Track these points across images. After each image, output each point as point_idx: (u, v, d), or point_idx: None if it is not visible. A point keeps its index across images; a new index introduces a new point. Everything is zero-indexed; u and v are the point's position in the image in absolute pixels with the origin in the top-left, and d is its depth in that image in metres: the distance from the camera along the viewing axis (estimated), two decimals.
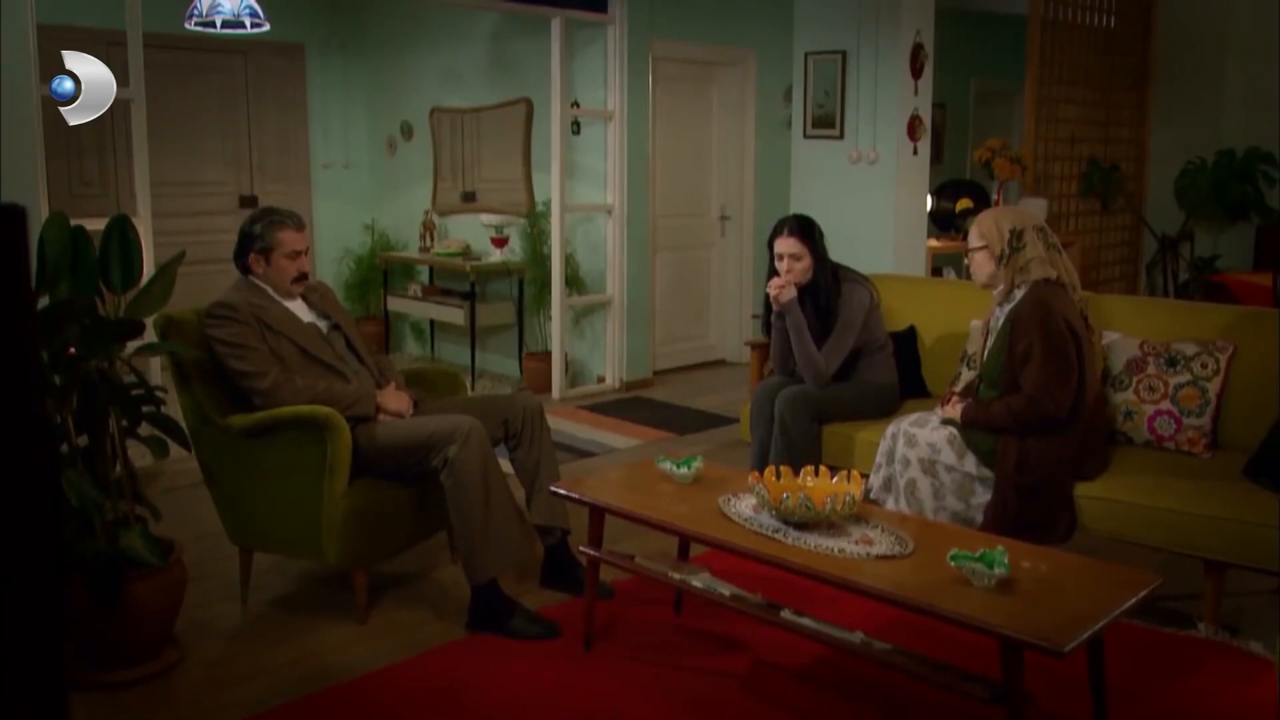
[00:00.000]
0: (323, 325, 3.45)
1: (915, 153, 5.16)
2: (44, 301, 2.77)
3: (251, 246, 3.34)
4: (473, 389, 6.57)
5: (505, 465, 3.38)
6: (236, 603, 3.40)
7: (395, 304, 7.49)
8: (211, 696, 2.85)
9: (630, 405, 6.16)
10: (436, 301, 7.08)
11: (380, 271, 7.59)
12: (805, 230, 3.88)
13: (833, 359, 3.86)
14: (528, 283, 6.78)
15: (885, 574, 2.44)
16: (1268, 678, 2.92)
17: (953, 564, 2.36)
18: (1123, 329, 3.71)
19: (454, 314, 6.88)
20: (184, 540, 3.35)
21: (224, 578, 3.53)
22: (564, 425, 5.58)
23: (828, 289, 3.89)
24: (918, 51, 5.06)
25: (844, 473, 2.79)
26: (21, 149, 4.11)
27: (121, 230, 2.94)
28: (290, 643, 3.14)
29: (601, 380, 6.55)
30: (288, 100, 7.63)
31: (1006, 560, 2.35)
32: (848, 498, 2.64)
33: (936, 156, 6.79)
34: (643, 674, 2.95)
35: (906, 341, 4.19)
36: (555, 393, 6.30)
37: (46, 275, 2.77)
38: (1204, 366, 3.49)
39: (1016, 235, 3.38)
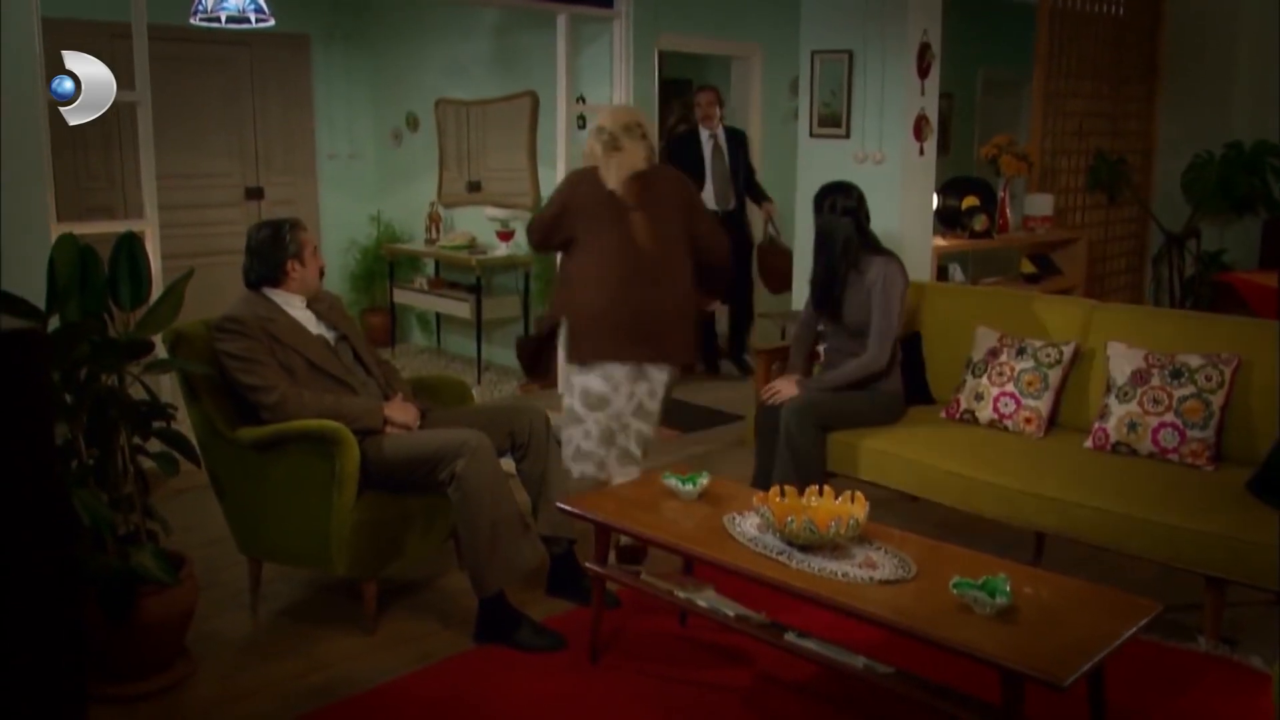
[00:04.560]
0: (330, 337, 3.47)
1: (921, 153, 5.14)
2: (55, 322, 2.80)
3: (287, 255, 3.37)
4: (479, 382, 6.60)
5: (508, 466, 3.41)
6: (246, 612, 3.44)
7: (401, 296, 7.50)
8: (221, 710, 2.89)
9: None
10: (442, 294, 7.10)
11: (386, 263, 7.61)
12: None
13: (884, 343, 3.89)
14: (533, 277, 6.79)
15: (887, 599, 2.47)
16: (1267, 693, 2.95)
17: (955, 591, 2.39)
18: (1127, 340, 3.72)
19: (460, 307, 6.90)
20: (193, 546, 3.40)
21: (233, 585, 3.57)
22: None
23: (853, 247, 3.95)
24: (924, 51, 5.03)
25: (848, 494, 2.81)
26: (28, 150, 4.07)
27: (130, 249, 2.96)
28: (299, 654, 3.18)
29: None
30: (293, 91, 7.61)
31: (1008, 588, 2.37)
32: (851, 521, 2.66)
33: (943, 148, 6.77)
34: (648, 688, 2.98)
35: (911, 348, 4.20)
36: (561, 387, 6.30)
37: (57, 295, 2.79)
38: (1208, 379, 3.50)
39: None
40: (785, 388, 3.92)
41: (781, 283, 6.20)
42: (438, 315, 7.58)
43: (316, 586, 3.64)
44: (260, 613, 3.45)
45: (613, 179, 3.81)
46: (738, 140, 6.60)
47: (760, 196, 6.62)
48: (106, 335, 2.88)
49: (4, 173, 3.92)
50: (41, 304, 2.83)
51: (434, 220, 7.41)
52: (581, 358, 3.81)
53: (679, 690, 2.97)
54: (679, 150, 6.56)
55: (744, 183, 6.60)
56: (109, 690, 2.89)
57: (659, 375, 3.82)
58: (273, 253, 3.38)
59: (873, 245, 4.00)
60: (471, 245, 6.94)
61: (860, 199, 3.99)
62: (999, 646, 2.23)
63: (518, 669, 3.07)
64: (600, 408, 3.81)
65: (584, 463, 3.82)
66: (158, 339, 3.06)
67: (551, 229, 3.96)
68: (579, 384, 3.82)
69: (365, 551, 3.20)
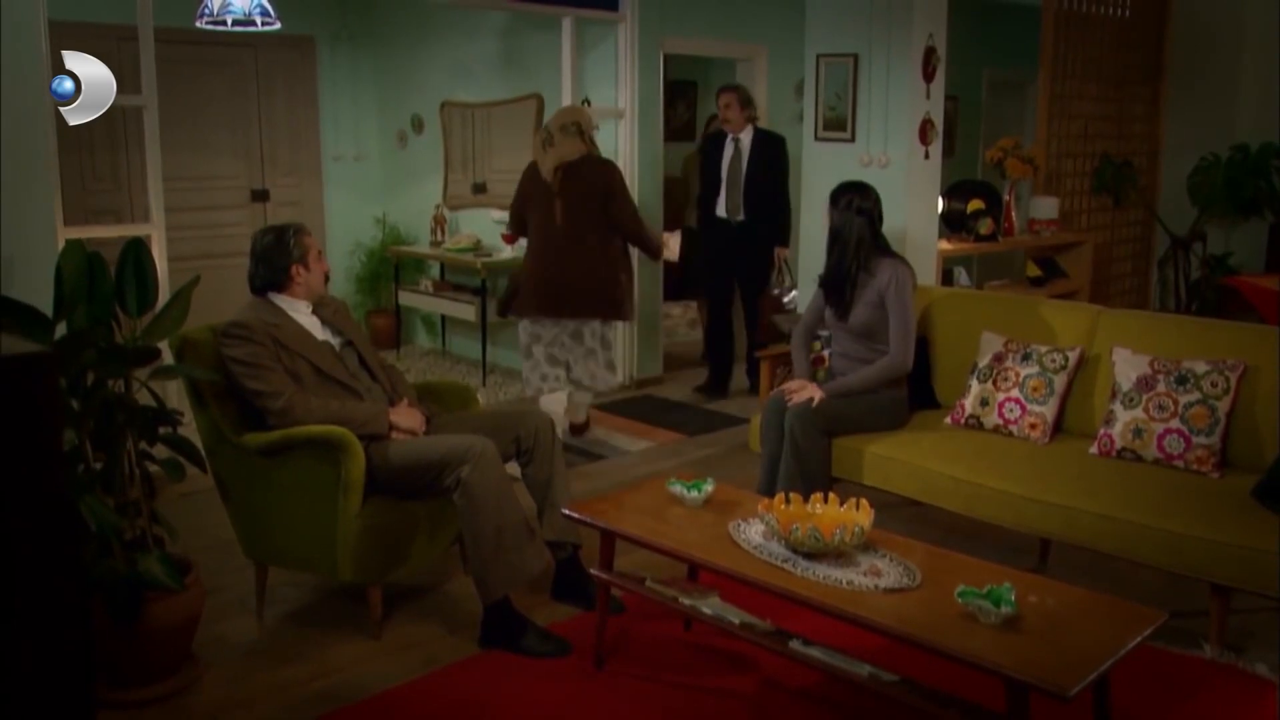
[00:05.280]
0: (336, 342, 3.48)
1: (927, 156, 5.14)
2: (62, 329, 2.81)
3: (290, 260, 3.38)
4: (484, 384, 6.61)
5: (513, 469, 3.43)
6: (252, 616, 3.45)
7: (406, 298, 7.51)
8: (228, 715, 2.90)
9: (641, 404, 6.18)
10: (447, 297, 7.10)
11: (391, 265, 7.61)
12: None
13: (907, 344, 3.92)
14: None
15: (892, 608, 2.47)
16: (1272, 700, 2.95)
17: (960, 600, 2.39)
18: (1133, 346, 3.72)
19: (465, 309, 6.91)
20: (198, 550, 3.41)
21: (239, 589, 3.58)
22: None
23: (865, 247, 3.96)
24: (930, 54, 5.03)
25: (853, 501, 2.81)
26: (35, 154, 4.07)
27: (136, 255, 2.96)
28: (305, 659, 3.19)
29: None
30: (298, 93, 7.62)
31: (1013, 597, 2.37)
32: (856, 528, 2.66)
33: (949, 149, 6.76)
34: (653, 694, 2.99)
35: (917, 353, 4.18)
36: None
37: (64, 302, 2.80)
38: (1214, 385, 3.49)
39: None
40: (807, 388, 3.91)
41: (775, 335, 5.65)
42: (443, 317, 7.59)
43: (322, 591, 3.65)
44: (266, 617, 3.45)
45: (545, 169, 4.83)
46: (763, 146, 5.96)
47: (778, 232, 5.97)
48: (113, 342, 2.89)
49: (11, 178, 3.94)
50: (48, 310, 2.84)
51: (439, 222, 7.42)
52: (513, 312, 5.06)
53: (683, 696, 2.98)
54: (707, 152, 6.23)
55: (769, 198, 5.95)
56: (116, 695, 2.91)
57: (566, 326, 4.93)
58: (277, 258, 3.38)
59: (883, 248, 4.01)
60: (476, 247, 6.95)
61: (876, 201, 4.01)
62: (1004, 656, 2.23)
63: (523, 675, 3.08)
64: (526, 355, 5.04)
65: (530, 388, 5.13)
66: (164, 345, 3.07)
67: (513, 214, 5.12)
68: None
69: (371, 557, 3.21)
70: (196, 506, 4.08)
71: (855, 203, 3.97)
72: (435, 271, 7.53)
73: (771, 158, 5.98)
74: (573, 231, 4.79)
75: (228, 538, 3.56)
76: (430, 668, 3.13)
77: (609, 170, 4.94)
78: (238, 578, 3.62)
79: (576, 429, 5.40)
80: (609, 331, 5.09)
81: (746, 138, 5.97)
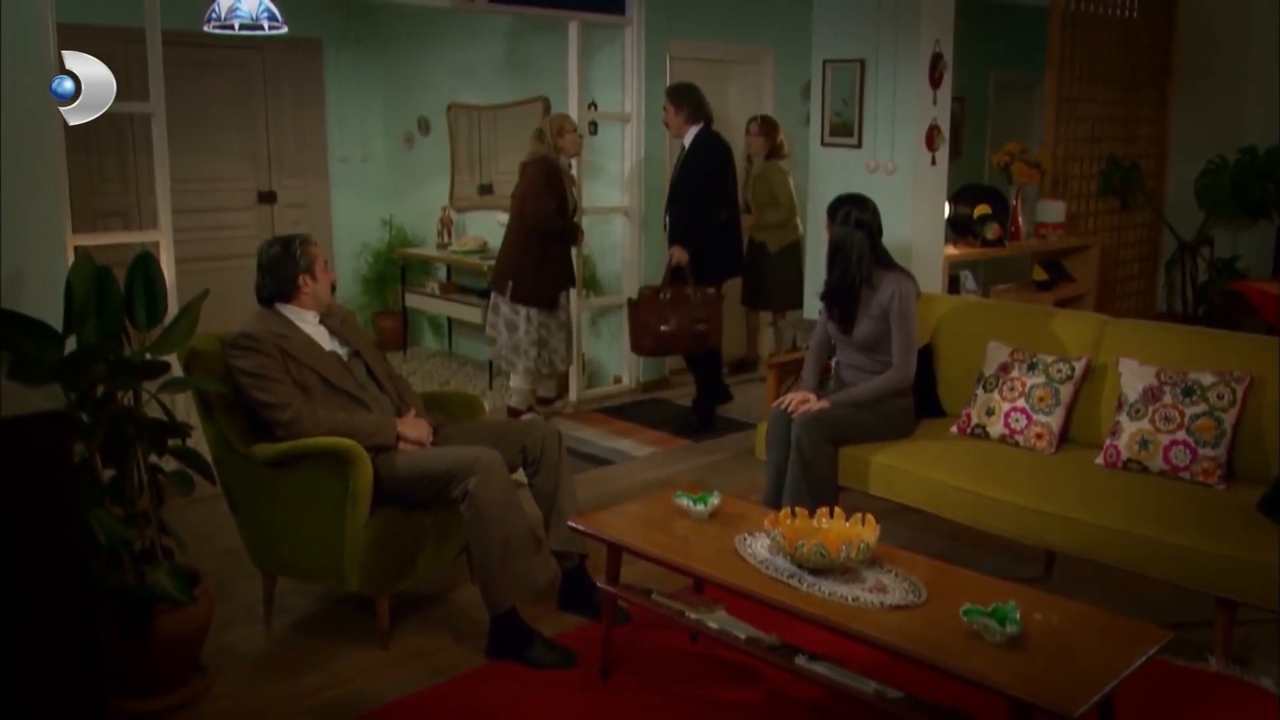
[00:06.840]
0: (343, 352, 3.49)
1: (933, 163, 5.13)
2: (72, 343, 2.82)
3: (298, 270, 3.39)
4: (490, 387, 6.62)
5: (519, 478, 3.45)
6: (260, 625, 3.47)
7: (413, 300, 7.52)
8: None
9: (647, 408, 6.19)
10: (454, 299, 7.11)
11: (398, 267, 7.63)
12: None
13: (909, 358, 3.92)
14: None
15: (897, 625, 2.47)
16: (1276, 714, 2.96)
17: (965, 619, 2.40)
18: (1139, 357, 3.71)
19: (471, 312, 6.92)
20: (206, 557, 3.42)
21: (247, 597, 3.59)
22: (581, 431, 5.62)
23: (866, 261, 3.93)
24: (937, 61, 5.02)
25: (858, 516, 2.82)
26: (43, 162, 4.06)
27: (145, 269, 2.98)
28: (313, 669, 3.20)
29: (618, 380, 6.58)
30: (305, 95, 7.64)
31: (1018, 616, 2.38)
32: (862, 544, 2.67)
33: (955, 151, 6.74)
34: (659, 705, 3.00)
35: (923, 361, 4.18)
36: (572, 394, 6.32)
37: (74, 317, 2.82)
38: (1220, 397, 3.49)
39: None
40: (809, 400, 3.89)
41: (647, 345, 5.54)
42: (449, 319, 7.60)
43: (330, 599, 3.67)
44: (274, 626, 3.47)
45: None
46: (698, 148, 5.42)
47: (678, 232, 5.48)
48: (123, 355, 2.91)
49: (19, 185, 3.94)
50: (58, 318, 2.86)
51: (445, 224, 7.43)
52: None
53: (689, 708, 2.99)
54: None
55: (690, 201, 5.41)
56: (126, 706, 2.92)
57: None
58: (284, 268, 3.40)
59: (885, 260, 3.99)
60: (483, 250, 6.96)
61: (874, 212, 3.98)
62: (1008, 676, 2.24)
63: (529, 686, 3.09)
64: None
65: None
66: (173, 357, 3.08)
67: None
68: None
69: (378, 567, 3.22)
70: (204, 513, 4.10)
71: (854, 215, 3.94)
72: (442, 273, 7.55)
73: (702, 157, 5.41)
74: (511, 218, 5.58)
75: (235, 545, 3.58)
76: (437, 678, 3.14)
77: (531, 171, 5.40)
78: (245, 586, 3.64)
79: (510, 412, 5.68)
80: (513, 311, 5.48)
81: (687, 142, 5.47)
